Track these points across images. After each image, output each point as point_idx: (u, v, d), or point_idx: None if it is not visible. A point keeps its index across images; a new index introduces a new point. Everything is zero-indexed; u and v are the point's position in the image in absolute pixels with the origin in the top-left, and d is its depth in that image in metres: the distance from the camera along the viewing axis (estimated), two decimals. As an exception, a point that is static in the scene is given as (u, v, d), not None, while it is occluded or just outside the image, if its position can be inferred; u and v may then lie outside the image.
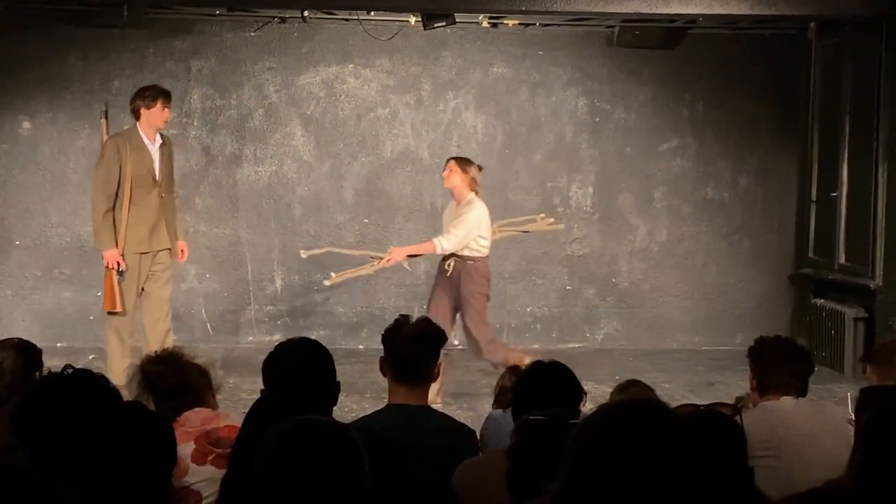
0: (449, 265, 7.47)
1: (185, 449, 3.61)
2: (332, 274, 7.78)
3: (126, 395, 6.84)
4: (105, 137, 7.63)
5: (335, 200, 9.97)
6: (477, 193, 7.50)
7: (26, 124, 9.71)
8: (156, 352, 4.20)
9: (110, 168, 7.37)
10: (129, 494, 2.57)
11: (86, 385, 2.67)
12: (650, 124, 10.12)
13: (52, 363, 3.90)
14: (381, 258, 7.66)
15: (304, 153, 9.95)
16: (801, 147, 10.03)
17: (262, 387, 3.44)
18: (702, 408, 3.03)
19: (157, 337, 7.38)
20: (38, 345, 4.19)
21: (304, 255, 8.16)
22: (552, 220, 8.52)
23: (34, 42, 9.60)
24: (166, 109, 7.48)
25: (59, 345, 9.03)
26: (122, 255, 7.38)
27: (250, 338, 9.76)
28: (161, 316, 7.55)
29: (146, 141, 7.47)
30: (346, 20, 9.64)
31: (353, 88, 9.95)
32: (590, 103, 10.08)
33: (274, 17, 9.68)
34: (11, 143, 9.70)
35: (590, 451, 1.60)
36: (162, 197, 7.51)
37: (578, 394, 3.58)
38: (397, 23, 9.49)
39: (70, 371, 2.71)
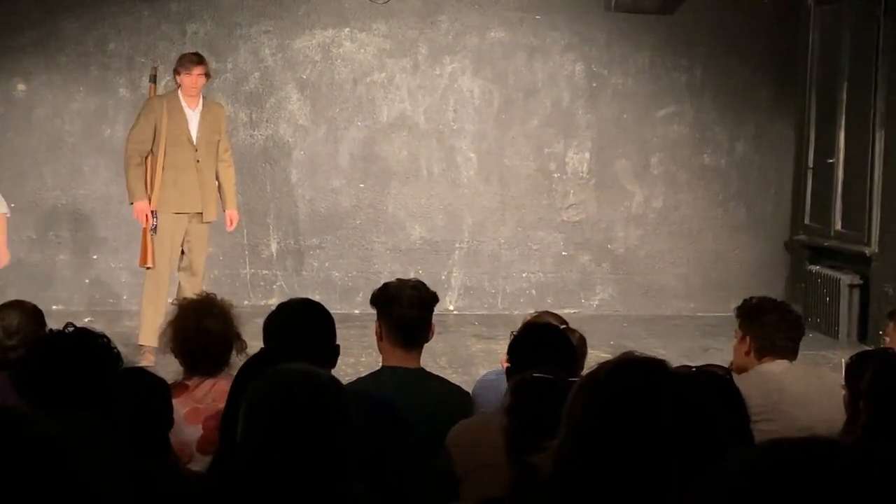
0: None
1: (193, 433, 3.50)
2: None
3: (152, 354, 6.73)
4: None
5: (331, 165, 9.95)
6: None
7: (21, 86, 9.67)
8: (197, 297, 4.09)
9: (141, 126, 7.49)
10: (127, 445, 2.58)
11: (86, 343, 2.67)
12: (647, 90, 10.09)
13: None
14: None
15: (299, 117, 9.92)
16: (798, 113, 10.02)
17: (261, 347, 3.44)
18: (694, 369, 3.04)
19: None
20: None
21: None
22: None
23: (29, 4, 9.54)
24: (200, 77, 7.49)
25: (54, 307, 9.01)
26: (155, 213, 7.42)
27: (245, 301, 9.74)
28: (196, 284, 7.59)
29: (184, 104, 7.53)
30: (343, -17, 9.58)
31: (350, 52, 9.91)
32: (587, 68, 10.05)
33: (270, -20, 9.63)
34: (6, 106, 9.66)
35: (592, 407, 1.61)
36: (199, 161, 7.54)
37: (573, 354, 3.59)
38: (394, -14, 9.44)
39: (71, 329, 2.72)
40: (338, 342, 3.53)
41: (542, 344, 3.54)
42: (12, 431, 1.20)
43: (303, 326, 3.40)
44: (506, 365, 3.74)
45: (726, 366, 4.25)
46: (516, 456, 2.55)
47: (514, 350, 3.59)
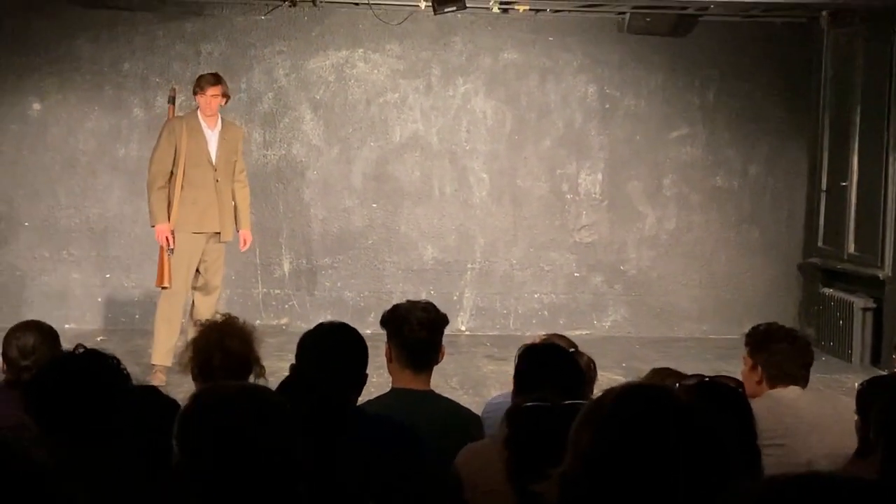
0: None
1: None
2: None
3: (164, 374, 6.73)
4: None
5: (344, 185, 9.97)
6: None
7: (36, 105, 9.72)
8: (221, 317, 4.05)
9: (163, 147, 7.53)
10: (133, 471, 2.57)
11: (96, 365, 2.68)
12: (660, 112, 10.10)
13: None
14: None
15: (313, 137, 9.94)
16: (811, 136, 10.01)
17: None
18: (707, 379, 3.01)
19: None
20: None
21: None
22: None
23: (44, 23, 9.60)
24: (215, 97, 7.52)
25: (66, 326, 9.03)
26: (173, 233, 7.45)
27: (258, 321, 9.73)
28: (211, 304, 7.60)
29: (204, 125, 7.57)
30: (356, 4, 9.63)
31: (363, 73, 9.94)
32: (600, 90, 10.06)
33: (284, 1, 9.67)
34: (21, 125, 9.71)
35: (598, 434, 1.61)
36: (217, 181, 7.56)
37: (579, 375, 3.53)
38: (407, 7, 9.47)
39: (82, 351, 2.72)
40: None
41: (546, 365, 3.49)
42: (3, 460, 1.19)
43: (337, 350, 3.38)
44: None
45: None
46: (518, 485, 2.54)
47: (518, 373, 3.55)
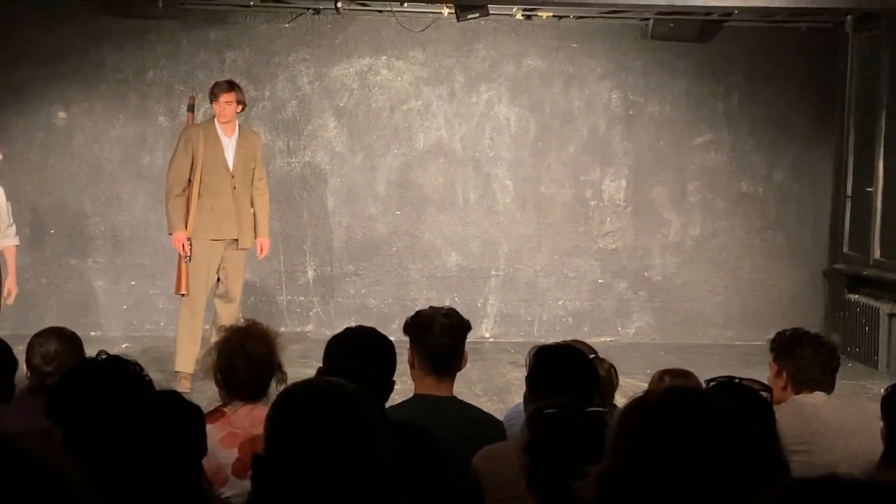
0: None
1: (228, 456, 3.50)
2: None
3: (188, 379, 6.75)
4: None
5: (368, 192, 9.98)
6: None
7: (61, 114, 9.78)
8: (244, 322, 4.08)
9: (180, 155, 7.56)
10: (154, 480, 2.57)
11: (118, 371, 2.68)
12: (684, 118, 10.06)
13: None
14: None
15: (336, 145, 9.96)
16: (836, 142, 9.95)
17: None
18: (738, 380, 3.01)
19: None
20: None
21: None
22: None
23: (70, 32, 9.66)
24: (228, 104, 7.53)
25: (92, 334, 9.08)
26: (190, 240, 7.48)
27: (282, 328, 9.76)
28: (233, 311, 7.63)
29: (220, 132, 7.59)
30: (380, 12, 9.65)
31: (386, 80, 9.95)
32: (623, 96, 10.03)
33: (308, 9, 9.71)
34: (47, 133, 9.77)
35: (639, 435, 1.61)
36: (235, 188, 7.59)
37: (593, 378, 3.48)
38: (430, 14, 9.48)
39: (104, 357, 2.73)
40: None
41: (559, 366, 3.43)
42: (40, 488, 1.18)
43: (364, 355, 3.37)
44: None
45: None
46: (539, 491, 2.52)
47: (530, 375, 3.49)
